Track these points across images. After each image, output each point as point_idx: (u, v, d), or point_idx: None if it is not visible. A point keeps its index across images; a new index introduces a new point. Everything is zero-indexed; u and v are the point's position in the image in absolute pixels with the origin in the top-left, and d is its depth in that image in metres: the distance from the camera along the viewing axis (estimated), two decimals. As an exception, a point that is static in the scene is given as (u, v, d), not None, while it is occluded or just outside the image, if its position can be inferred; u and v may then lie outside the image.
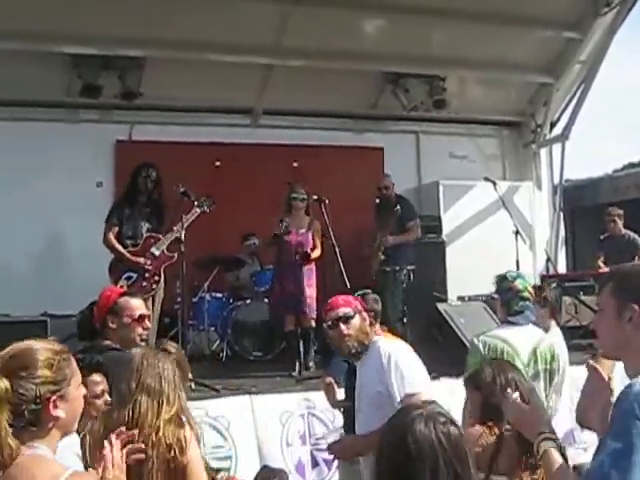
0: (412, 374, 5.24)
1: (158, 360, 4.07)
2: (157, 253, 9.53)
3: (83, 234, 11.24)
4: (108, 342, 5.15)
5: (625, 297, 3.01)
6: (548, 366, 5.90)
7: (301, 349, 10.16)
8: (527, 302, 6.08)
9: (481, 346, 5.93)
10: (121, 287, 5.75)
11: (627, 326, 2.98)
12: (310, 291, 10.34)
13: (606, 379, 3.32)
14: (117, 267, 9.50)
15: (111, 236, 9.52)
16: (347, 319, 5.46)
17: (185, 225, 9.40)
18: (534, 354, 5.88)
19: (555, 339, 6.46)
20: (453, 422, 2.65)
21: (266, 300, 11.15)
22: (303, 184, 10.91)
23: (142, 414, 3.87)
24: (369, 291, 7.55)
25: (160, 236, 9.56)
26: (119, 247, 9.50)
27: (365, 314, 5.59)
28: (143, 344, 5.27)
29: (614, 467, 2.69)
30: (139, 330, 5.31)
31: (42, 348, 3.08)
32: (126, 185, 9.95)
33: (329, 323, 5.58)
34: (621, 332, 3.01)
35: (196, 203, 9.55)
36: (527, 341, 5.93)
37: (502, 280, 6.17)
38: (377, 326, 6.17)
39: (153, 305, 9.37)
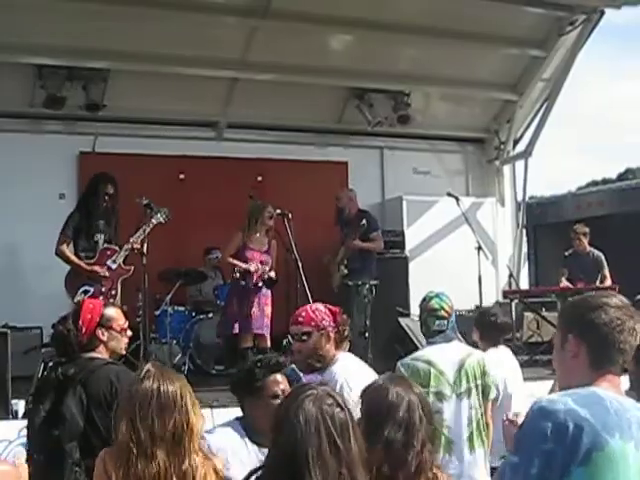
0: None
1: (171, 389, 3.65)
2: (114, 266, 9.47)
3: (45, 246, 11.09)
4: (97, 355, 5.05)
5: (564, 327, 3.06)
6: (479, 381, 5.85)
7: None
8: (444, 320, 6.00)
9: (403, 370, 5.83)
10: (95, 298, 5.63)
11: (568, 356, 3.01)
12: (267, 310, 10.24)
13: None
14: (73, 280, 9.39)
15: (64, 247, 9.41)
16: (301, 337, 5.13)
17: (141, 237, 9.37)
18: (459, 372, 5.82)
19: (494, 356, 6.49)
20: (340, 405, 2.75)
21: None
22: (260, 198, 10.84)
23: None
24: None
25: (117, 248, 9.50)
26: (74, 258, 9.40)
27: (329, 331, 5.09)
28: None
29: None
30: (125, 340, 5.30)
31: None
32: (83, 195, 9.85)
33: (290, 336, 5.51)
34: (564, 363, 3.06)
35: (152, 214, 9.50)
36: (452, 359, 5.86)
37: (422, 301, 6.17)
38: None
39: None
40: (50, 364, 7.60)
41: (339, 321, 5.19)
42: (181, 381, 3.69)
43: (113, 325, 5.17)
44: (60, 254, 9.46)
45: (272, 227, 10.45)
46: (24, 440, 7.34)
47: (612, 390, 2.91)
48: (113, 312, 5.27)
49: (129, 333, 5.37)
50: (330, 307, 5.27)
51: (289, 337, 5.52)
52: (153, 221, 9.50)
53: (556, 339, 3.11)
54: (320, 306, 5.27)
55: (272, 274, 10.28)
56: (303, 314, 5.18)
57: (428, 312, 6.04)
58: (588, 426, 2.73)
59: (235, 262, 10.22)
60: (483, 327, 7.28)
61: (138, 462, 3.49)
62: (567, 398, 2.80)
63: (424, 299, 6.17)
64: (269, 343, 10.25)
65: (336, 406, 2.74)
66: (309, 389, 2.81)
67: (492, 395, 5.86)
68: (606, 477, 2.73)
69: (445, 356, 5.88)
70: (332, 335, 5.12)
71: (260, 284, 10.17)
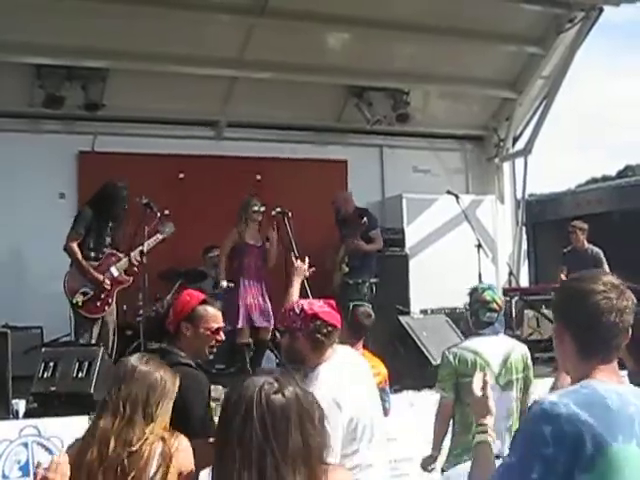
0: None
1: (151, 369, 3.97)
2: (116, 274, 9.50)
3: (45, 245, 11.15)
4: (176, 350, 4.95)
5: (557, 317, 3.04)
6: (521, 375, 6.00)
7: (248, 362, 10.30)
8: (494, 313, 6.14)
9: (452, 358, 6.06)
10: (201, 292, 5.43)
11: (560, 347, 2.99)
12: (268, 303, 10.55)
13: None
14: (76, 278, 9.41)
15: (74, 245, 9.40)
16: (280, 333, 5.09)
17: (145, 250, 9.44)
18: (505, 364, 5.97)
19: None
20: (282, 392, 2.70)
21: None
22: (259, 197, 10.96)
23: (126, 426, 3.80)
24: (365, 303, 7.59)
25: (121, 255, 9.53)
26: (82, 259, 9.40)
27: (299, 335, 4.64)
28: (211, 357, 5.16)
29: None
30: (212, 342, 5.04)
31: None
32: (98, 196, 9.81)
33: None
34: (560, 354, 3.03)
35: (159, 230, 9.59)
36: (498, 351, 6.01)
37: (473, 292, 6.27)
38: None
39: (102, 327, 9.39)
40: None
41: (311, 326, 4.63)
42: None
43: (201, 324, 4.94)
44: (69, 250, 9.44)
45: (263, 221, 10.71)
46: (25, 440, 7.39)
47: (610, 379, 2.86)
48: (207, 311, 5.00)
49: (221, 337, 5.09)
50: (310, 308, 4.71)
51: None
52: (158, 236, 9.58)
53: (554, 330, 3.08)
54: (298, 307, 4.76)
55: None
56: (282, 311, 4.95)
57: (481, 303, 6.15)
58: (590, 431, 2.66)
59: (219, 269, 10.88)
60: None
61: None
62: (568, 400, 2.73)
63: (476, 289, 6.28)
64: (269, 335, 10.57)
65: (276, 392, 2.69)
66: (261, 375, 2.80)
67: (533, 388, 5.92)
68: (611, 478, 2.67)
69: (492, 348, 6.02)
70: (302, 339, 4.65)
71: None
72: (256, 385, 2.68)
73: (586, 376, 2.86)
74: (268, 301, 10.57)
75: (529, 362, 6.11)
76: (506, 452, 5.81)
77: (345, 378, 4.63)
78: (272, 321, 10.36)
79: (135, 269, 9.61)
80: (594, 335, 2.89)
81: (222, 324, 5.10)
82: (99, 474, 3.69)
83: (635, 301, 2.95)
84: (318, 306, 4.75)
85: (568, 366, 3.02)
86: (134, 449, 3.74)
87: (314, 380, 4.51)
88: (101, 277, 9.39)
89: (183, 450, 3.86)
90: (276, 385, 2.70)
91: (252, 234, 10.71)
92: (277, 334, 5.33)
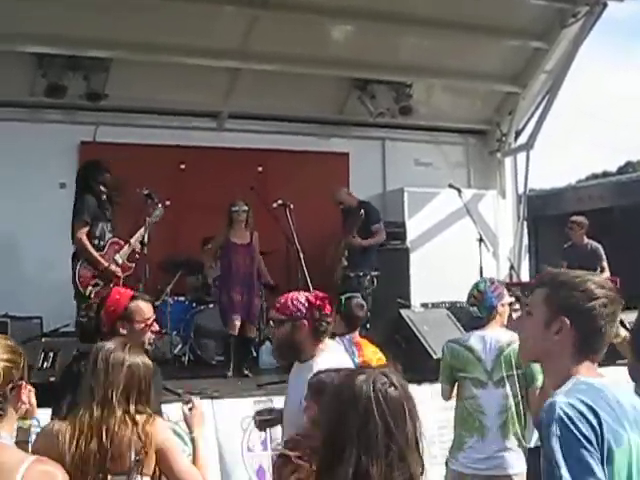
0: None
1: (127, 355, 4.06)
2: (120, 262, 9.48)
3: (45, 235, 11.15)
4: None
5: (556, 308, 2.99)
6: (517, 371, 5.89)
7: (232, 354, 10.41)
8: (474, 307, 6.17)
9: (447, 352, 6.17)
10: (129, 288, 5.49)
11: (553, 337, 2.97)
12: (258, 301, 10.73)
13: None
14: (87, 269, 9.36)
15: (84, 237, 9.30)
16: (276, 324, 5.05)
17: (140, 239, 9.47)
18: (497, 359, 5.93)
19: None
20: (394, 384, 2.76)
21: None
22: (243, 197, 10.99)
23: (108, 412, 3.90)
24: (356, 295, 7.61)
25: (122, 242, 9.50)
26: (92, 250, 9.31)
27: (304, 323, 4.84)
28: (150, 348, 5.08)
29: None
30: (149, 334, 5.06)
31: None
32: (86, 180, 9.70)
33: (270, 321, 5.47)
34: (545, 342, 3.00)
35: (149, 211, 9.57)
36: (492, 347, 5.97)
37: (472, 287, 6.27)
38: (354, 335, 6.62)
39: None
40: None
41: (317, 314, 4.89)
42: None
43: (136, 318, 4.98)
44: (79, 243, 9.34)
45: (245, 220, 10.78)
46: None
47: (593, 375, 2.91)
48: (138, 305, 5.06)
49: (155, 327, 5.14)
50: (315, 298, 4.98)
51: (271, 322, 5.44)
52: (150, 220, 9.54)
53: (538, 313, 3.04)
54: (302, 296, 5.01)
55: (270, 281, 11.09)
56: (282, 301, 5.02)
57: (468, 298, 6.24)
58: (607, 424, 2.71)
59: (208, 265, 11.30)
60: None
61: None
62: (575, 398, 2.76)
63: (474, 284, 6.32)
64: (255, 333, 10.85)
65: (389, 385, 2.75)
66: (361, 371, 2.85)
67: (538, 383, 5.86)
68: (624, 470, 2.72)
69: (485, 343, 6.01)
70: (307, 327, 4.86)
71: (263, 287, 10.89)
72: (367, 381, 2.73)
73: (574, 372, 2.91)
74: (257, 298, 10.71)
75: None
76: (497, 449, 5.88)
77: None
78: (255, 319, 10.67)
79: (137, 255, 9.58)
80: (600, 339, 2.95)
81: (154, 315, 5.17)
82: (86, 461, 3.79)
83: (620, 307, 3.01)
84: (321, 297, 4.97)
85: (551, 358, 3.00)
86: (116, 434, 3.84)
87: (315, 369, 4.55)
88: (116, 269, 9.36)
89: (160, 431, 3.99)
90: (386, 379, 2.75)
91: (238, 233, 10.79)
92: (271, 324, 5.29)
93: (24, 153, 11.88)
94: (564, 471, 2.66)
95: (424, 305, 11.84)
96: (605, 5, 13.09)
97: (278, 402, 7.81)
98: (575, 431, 2.69)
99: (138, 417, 3.95)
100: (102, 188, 9.51)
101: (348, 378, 2.80)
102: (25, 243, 11.97)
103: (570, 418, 2.71)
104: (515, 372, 5.89)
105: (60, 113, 12.51)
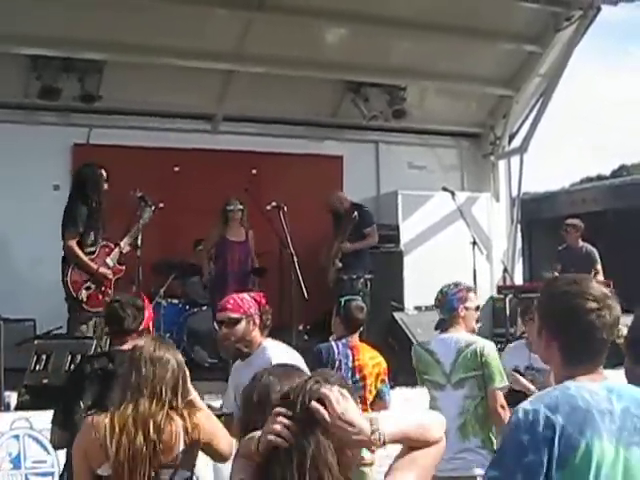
0: None
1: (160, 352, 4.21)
2: (111, 264, 9.46)
3: (38, 237, 11.13)
4: (127, 348, 5.05)
5: (542, 317, 3.08)
6: (475, 373, 5.92)
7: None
8: (437, 309, 6.36)
9: (413, 355, 6.33)
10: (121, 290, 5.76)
11: (544, 345, 3.04)
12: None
13: None
14: (78, 274, 9.33)
15: (74, 244, 9.27)
16: (230, 324, 5.35)
17: (130, 241, 9.47)
18: (455, 362, 5.97)
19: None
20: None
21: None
22: (238, 195, 11.05)
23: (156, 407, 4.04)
24: (356, 297, 7.65)
25: (112, 245, 9.49)
26: (83, 256, 9.29)
27: (255, 318, 5.36)
28: None
29: None
30: None
31: None
32: (83, 188, 9.72)
33: (215, 324, 5.62)
34: (540, 349, 3.11)
35: (140, 213, 9.56)
36: (451, 349, 6.02)
37: (438, 291, 6.40)
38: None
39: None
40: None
41: (263, 309, 5.45)
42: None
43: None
44: (68, 251, 9.31)
45: (240, 219, 10.91)
46: (16, 432, 7.38)
47: (592, 380, 2.90)
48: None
49: None
50: (255, 295, 5.60)
51: (215, 324, 5.62)
52: (141, 222, 9.53)
53: (535, 320, 3.15)
54: (246, 295, 5.60)
55: (255, 264, 11.05)
56: (231, 301, 5.44)
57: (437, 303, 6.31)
58: (561, 431, 2.75)
59: (204, 265, 11.33)
60: None
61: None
62: (539, 405, 2.81)
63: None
64: None
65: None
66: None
67: (498, 384, 5.85)
68: (581, 476, 2.75)
69: (445, 346, 6.06)
70: (257, 322, 5.37)
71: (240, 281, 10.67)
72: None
73: (567, 377, 2.93)
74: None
75: (487, 359, 5.95)
76: (458, 450, 5.90)
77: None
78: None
79: (124, 253, 9.57)
80: (583, 350, 2.96)
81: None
82: (134, 455, 3.90)
83: (619, 311, 2.99)
84: (261, 295, 5.64)
85: (550, 363, 3.10)
86: (163, 428, 3.97)
87: (266, 352, 5.26)
88: (106, 271, 9.35)
89: (206, 422, 4.18)
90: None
91: (233, 231, 10.89)
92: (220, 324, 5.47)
93: (18, 155, 11.84)
94: (492, 471, 2.80)
95: (417, 308, 11.84)
96: (599, 9, 13.13)
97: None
98: (518, 436, 2.77)
99: (185, 411, 4.11)
100: (97, 197, 9.51)
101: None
102: (18, 245, 11.94)
103: (517, 423, 2.80)
104: (474, 373, 5.91)
105: (54, 115, 12.49)
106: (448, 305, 6.18)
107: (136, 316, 5.18)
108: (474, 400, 5.89)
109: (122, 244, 9.48)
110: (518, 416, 2.81)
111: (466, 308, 6.16)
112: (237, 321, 5.33)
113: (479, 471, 5.70)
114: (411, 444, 2.56)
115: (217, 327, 5.52)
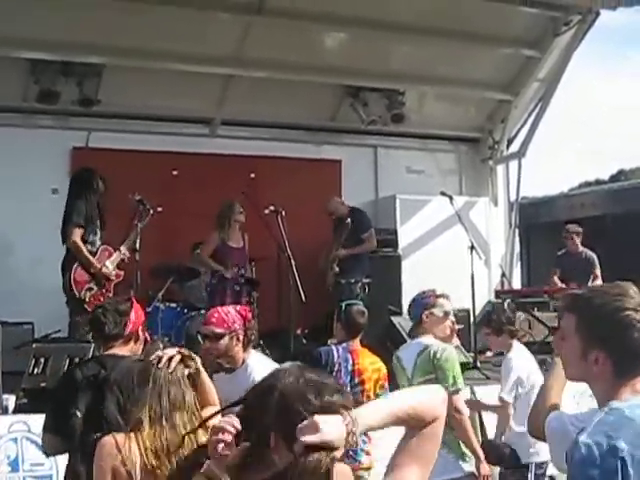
0: None
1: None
2: (111, 268, 9.47)
3: (37, 241, 11.13)
4: (116, 352, 5.00)
5: (591, 341, 2.92)
6: (429, 376, 5.92)
7: None
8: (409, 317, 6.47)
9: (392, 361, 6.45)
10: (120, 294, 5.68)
11: (592, 367, 2.90)
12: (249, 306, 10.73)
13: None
14: (82, 273, 9.34)
15: (78, 238, 9.30)
16: (214, 338, 5.32)
17: (129, 246, 9.51)
18: (414, 367, 6.04)
19: None
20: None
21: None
22: (252, 195, 11.07)
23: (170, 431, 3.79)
24: (357, 302, 7.66)
25: (112, 250, 9.50)
26: (87, 253, 9.33)
27: (239, 334, 5.32)
28: None
29: None
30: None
31: None
32: (79, 188, 9.74)
33: (199, 336, 5.61)
34: (583, 370, 2.96)
35: (138, 217, 9.57)
36: (412, 355, 6.10)
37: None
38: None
39: None
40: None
41: (248, 325, 5.40)
42: None
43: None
44: (73, 246, 9.33)
45: (244, 222, 10.91)
46: (14, 436, 7.37)
47: (629, 394, 2.83)
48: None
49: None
50: (240, 309, 5.55)
51: (198, 336, 5.58)
52: (140, 225, 9.55)
53: (572, 340, 2.98)
54: (231, 309, 5.55)
55: (251, 275, 11.05)
56: (216, 315, 5.41)
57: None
58: (631, 457, 2.61)
59: (212, 264, 10.85)
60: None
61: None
62: (599, 435, 2.67)
63: None
64: None
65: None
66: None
67: (450, 387, 5.81)
68: None
69: (408, 352, 6.20)
70: (241, 338, 5.34)
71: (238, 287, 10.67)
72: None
73: (614, 396, 2.83)
74: (248, 304, 10.54)
75: (439, 362, 5.93)
76: None
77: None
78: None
79: (126, 260, 9.61)
80: (634, 361, 2.87)
81: None
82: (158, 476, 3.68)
83: None
84: (246, 309, 5.63)
85: (595, 384, 2.95)
86: (180, 451, 3.72)
87: (249, 369, 5.24)
88: (109, 271, 9.36)
89: None
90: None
91: (233, 237, 10.88)
92: (204, 337, 5.42)
93: (16, 158, 11.84)
94: None
95: (415, 312, 11.83)
96: (598, 14, 13.13)
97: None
98: (586, 472, 2.63)
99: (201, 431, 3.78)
100: (94, 197, 9.52)
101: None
102: (17, 249, 11.95)
103: (582, 460, 2.65)
104: (430, 377, 5.92)
105: (52, 119, 12.49)
106: (414, 312, 6.28)
107: (117, 322, 5.04)
108: None
109: (122, 249, 9.49)
110: (581, 452, 2.65)
111: (431, 314, 6.17)
112: (221, 336, 5.30)
113: (446, 477, 5.69)
114: (403, 424, 2.52)
115: (201, 340, 5.51)
